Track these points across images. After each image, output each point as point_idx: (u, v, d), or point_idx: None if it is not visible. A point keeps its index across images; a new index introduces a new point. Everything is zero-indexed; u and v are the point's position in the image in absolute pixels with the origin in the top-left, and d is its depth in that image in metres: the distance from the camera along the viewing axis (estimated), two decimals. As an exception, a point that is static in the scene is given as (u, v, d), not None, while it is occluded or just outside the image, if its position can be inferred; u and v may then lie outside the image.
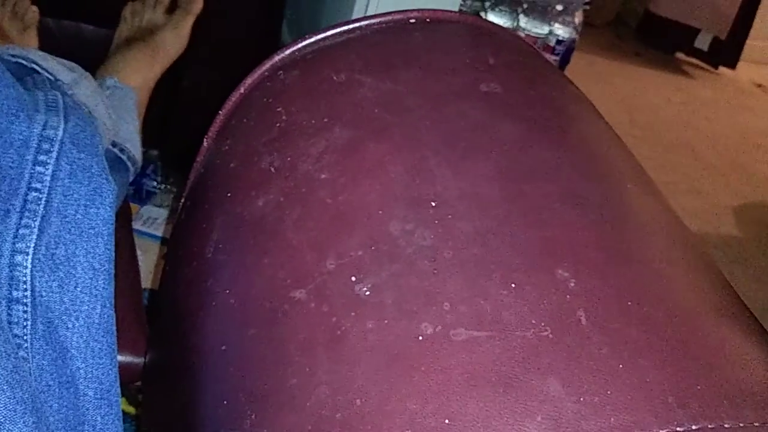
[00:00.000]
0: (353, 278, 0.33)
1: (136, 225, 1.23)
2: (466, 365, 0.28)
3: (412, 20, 0.46)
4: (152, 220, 1.32)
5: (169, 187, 1.40)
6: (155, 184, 1.38)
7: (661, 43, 3.44)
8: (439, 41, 0.45)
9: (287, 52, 0.45)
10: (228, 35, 1.26)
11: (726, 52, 3.27)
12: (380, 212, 0.35)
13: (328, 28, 0.45)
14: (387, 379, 0.29)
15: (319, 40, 0.45)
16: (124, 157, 0.83)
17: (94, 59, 1.01)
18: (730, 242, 2.10)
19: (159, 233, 1.30)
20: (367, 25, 0.46)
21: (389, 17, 0.46)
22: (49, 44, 1.14)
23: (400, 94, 0.41)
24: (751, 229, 2.19)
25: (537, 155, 0.38)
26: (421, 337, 0.29)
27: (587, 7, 1.74)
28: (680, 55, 3.43)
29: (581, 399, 0.27)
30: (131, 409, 0.79)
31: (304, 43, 0.45)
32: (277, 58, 0.45)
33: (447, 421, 0.27)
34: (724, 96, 3.16)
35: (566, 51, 1.74)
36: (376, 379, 0.29)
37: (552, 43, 1.72)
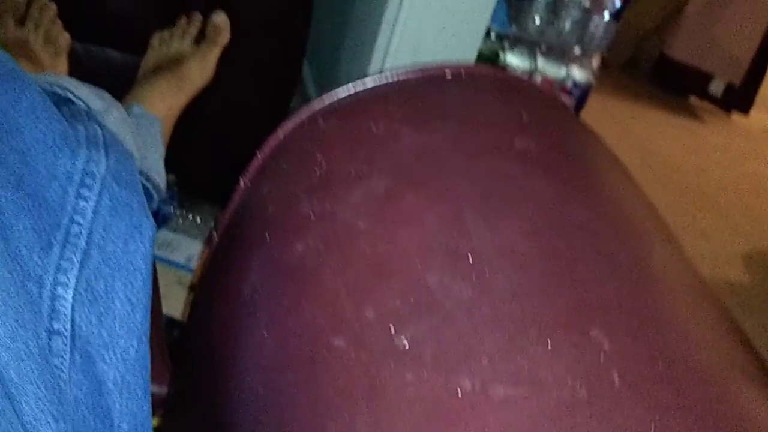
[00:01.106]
0: (392, 328, 0.34)
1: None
2: (503, 422, 0.29)
3: (449, 75, 0.48)
4: (167, 244, 1.33)
5: (184, 212, 1.42)
6: (171, 209, 1.40)
7: (675, 86, 3.47)
8: (475, 96, 0.47)
9: (326, 100, 0.47)
10: (250, 68, 1.29)
11: (739, 98, 3.30)
12: (418, 263, 0.36)
13: (367, 79, 0.47)
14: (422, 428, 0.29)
15: (358, 90, 0.47)
16: (149, 186, 0.85)
17: (119, 85, 1.03)
18: (739, 289, 2.10)
19: (174, 258, 1.31)
20: (404, 78, 0.47)
21: (425, 71, 0.47)
22: (75, 68, 1.16)
23: (436, 147, 0.42)
24: (759, 275, 2.19)
25: (570, 213, 0.39)
26: (459, 392, 0.30)
27: (605, 51, 1.77)
28: (694, 99, 3.46)
29: (616, 460, 0.27)
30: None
31: (342, 92, 0.47)
32: (316, 105, 0.47)
33: (485, 477, 0.27)
34: (736, 142, 3.18)
35: (582, 93, 1.76)
36: (415, 431, 0.30)
37: (569, 86, 1.75)
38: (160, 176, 0.88)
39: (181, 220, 1.39)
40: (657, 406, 0.30)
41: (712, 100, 3.39)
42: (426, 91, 0.47)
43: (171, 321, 1.02)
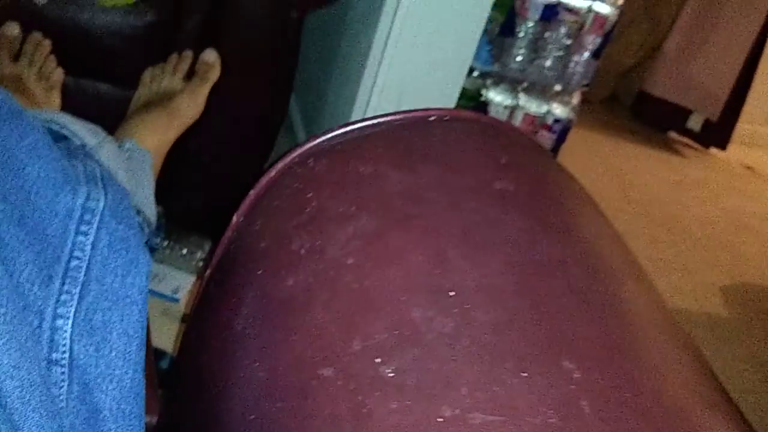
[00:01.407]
0: (378, 360, 0.36)
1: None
2: (481, 447, 0.31)
3: (432, 118, 0.50)
4: (154, 275, 1.34)
5: (171, 243, 1.43)
6: (158, 240, 1.41)
7: (655, 122, 3.54)
8: (457, 139, 0.49)
9: (316, 141, 0.49)
10: (238, 103, 1.31)
11: (717, 133, 3.36)
12: (403, 298, 0.38)
13: (356, 122, 0.49)
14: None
15: (347, 132, 0.49)
16: (140, 220, 0.86)
17: (110, 119, 1.05)
18: (718, 322, 2.13)
19: (160, 289, 1.32)
20: (391, 121, 0.50)
21: (411, 114, 0.50)
22: (66, 102, 1.18)
23: (421, 188, 0.44)
24: (737, 309, 2.23)
25: (544, 251, 0.42)
26: (440, 419, 0.32)
27: (586, 88, 1.81)
28: (673, 135, 3.53)
29: (585, 483, 0.30)
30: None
31: (332, 134, 0.49)
32: (307, 145, 0.49)
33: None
34: (715, 176, 3.24)
35: (563, 129, 1.80)
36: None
37: (550, 122, 1.79)
38: (150, 210, 0.90)
39: (168, 252, 1.40)
40: (624, 432, 0.32)
41: (691, 135, 3.46)
42: (411, 133, 0.50)
43: (157, 352, 1.04)
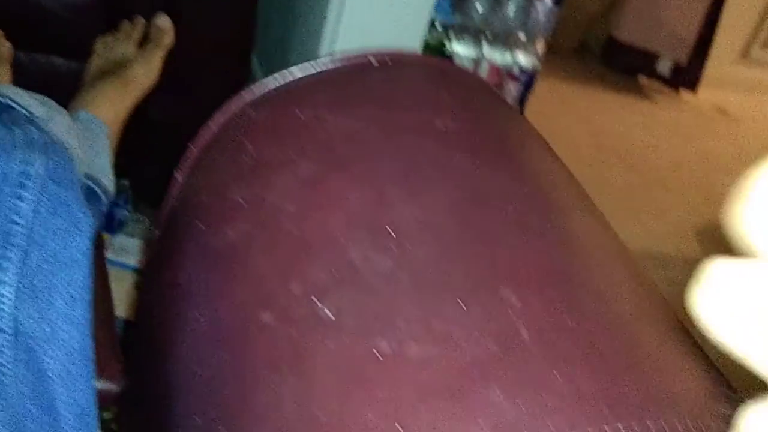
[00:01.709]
0: (316, 301, 0.35)
1: (108, 254, 1.25)
2: (419, 379, 0.31)
3: (374, 61, 0.49)
4: (124, 249, 1.33)
5: (140, 216, 1.42)
6: (126, 213, 1.40)
7: (625, 68, 3.53)
8: (398, 81, 0.49)
9: (256, 91, 0.48)
10: (197, 67, 1.29)
11: (686, 76, 3.36)
12: (342, 240, 0.38)
13: (294, 69, 0.48)
14: (347, 394, 0.31)
15: (287, 80, 0.48)
16: (97, 189, 0.85)
17: (66, 92, 1.03)
18: (693, 263, 2.15)
19: (131, 262, 1.31)
20: (331, 66, 0.49)
21: (352, 58, 0.49)
22: (21, 78, 1.16)
23: (360, 130, 0.44)
24: (713, 250, 2.25)
25: (486, 186, 0.41)
26: (378, 355, 0.32)
27: (550, 36, 1.80)
28: (643, 79, 3.52)
29: (521, 406, 0.30)
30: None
31: (271, 83, 0.48)
32: (246, 96, 0.48)
33: (401, 430, 0.29)
34: (686, 119, 3.25)
35: (529, 78, 1.80)
36: (338, 394, 0.32)
37: (515, 72, 1.78)
38: (108, 180, 0.89)
39: (136, 224, 1.39)
40: (562, 356, 0.32)
41: (661, 79, 3.46)
42: (351, 78, 0.49)
43: (128, 323, 1.03)
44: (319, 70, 0.49)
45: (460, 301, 0.34)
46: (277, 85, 0.48)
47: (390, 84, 0.48)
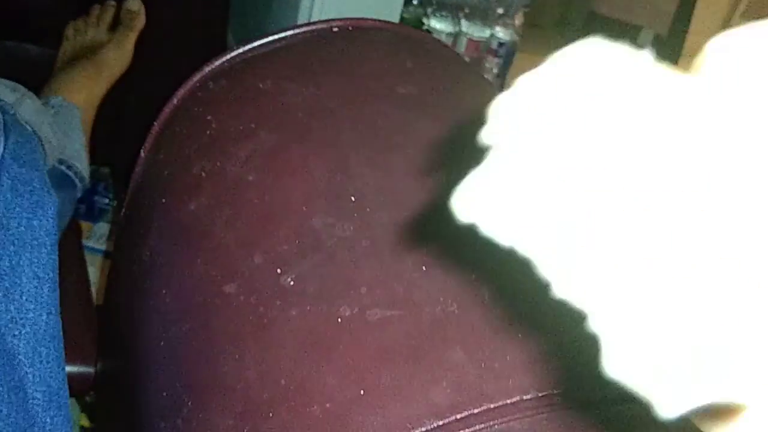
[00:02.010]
0: (279, 270, 0.35)
1: (90, 242, 1.24)
2: (380, 341, 0.31)
3: (335, 29, 0.49)
4: (106, 237, 1.32)
5: (120, 203, 1.41)
6: (107, 201, 1.39)
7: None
8: (361, 48, 0.48)
9: (216, 63, 0.48)
10: (172, 48, 1.28)
11: (667, 48, 3.36)
12: (304, 208, 0.38)
13: (255, 39, 0.48)
14: (309, 359, 0.31)
15: (247, 50, 0.48)
16: (71, 174, 0.84)
17: (38, 79, 1.02)
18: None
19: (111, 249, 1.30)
20: (292, 35, 0.48)
21: (313, 26, 0.49)
22: (-7, 66, 1.14)
23: (322, 99, 0.43)
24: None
25: (447, 149, 0.41)
26: (339, 319, 0.32)
27: (527, 9, 1.79)
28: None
29: (483, 365, 0.29)
30: (88, 424, 0.80)
31: (232, 53, 0.47)
32: (207, 69, 0.48)
33: (362, 392, 0.29)
34: (669, 91, 3.25)
35: (508, 52, 1.79)
36: (299, 360, 0.31)
37: (494, 46, 1.77)
38: (82, 164, 0.88)
39: (116, 211, 1.38)
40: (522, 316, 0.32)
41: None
42: (313, 46, 0.48)
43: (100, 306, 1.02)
44: (280, 38, 0.48)
45: (421, 265, 0.33)
46: (238, 55, 0.48)
47: (352, 51, 0.48)
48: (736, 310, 0.12)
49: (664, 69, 0.14)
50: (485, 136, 0.14)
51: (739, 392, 0.12)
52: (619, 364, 0.13)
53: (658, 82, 0.14)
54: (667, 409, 0.12)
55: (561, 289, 0.13)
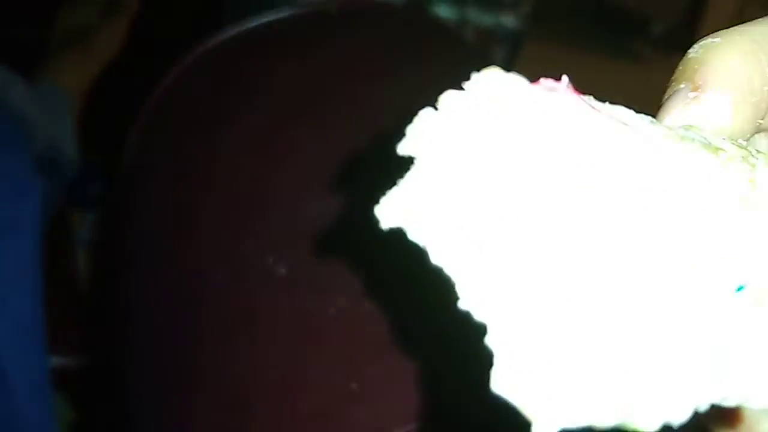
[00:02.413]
0: (270, 259, 0.33)
1: (83, 232, 1.22)
2: (375, 333, 0.29)
3: (335, 9, 0.47)
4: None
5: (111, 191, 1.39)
6: (100, 190, 1.37)
7: (617, 31, 3.50)
8: (360, 29, 0.46)
9: (209, 44, 0.46)
10: (165, 30, 1.26)
11: (679, 38, 3.33)
12: (298, 194, 0.36)
13: (250, 19, 0.46)
14: (300, 351, 0.29)
15: (241, 31, 0.45)
16: (60, 159, 0.82)
17: (29, 63, 1.00)
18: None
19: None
20: (290, 15, 0.46)
21: (313, 7, 0.47)
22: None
23: (318, 81, 0.41)
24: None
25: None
26: (334, 310, 0.30)
27: (534, -2, 1.76)
28: (636, 43, 3.50)
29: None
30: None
31: (225, 35, 0.45)
32: (199, 50, 0.46)
33: (354, 385, 0.27)
34: (677, 81, 3.22)
35: (515, 41, 1.76)
36: (290, 352, 0.30)
37: (501, 35, 1.74)
38: (71, 149, 0.86)
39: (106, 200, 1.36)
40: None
41: (654, 42, 3.43)
42: (311, 27, 0.46)
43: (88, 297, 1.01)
44: (275, 18, 0.46)
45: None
46: (231, 35, 0.46)
47: (351, 32, 0.46)
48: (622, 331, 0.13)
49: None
50: (406, 148, 0.15)
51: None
52: (505, 378, 0.13)
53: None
54: (541, 427, 0.12)
55: (467, 301, 0.14)
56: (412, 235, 0.15)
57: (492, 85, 0.15)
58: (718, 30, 0.25)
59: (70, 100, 0.89)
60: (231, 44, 0.45)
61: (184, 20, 1.25)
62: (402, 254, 0.16)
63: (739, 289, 0.14)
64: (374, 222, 0.15)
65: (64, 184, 0.73)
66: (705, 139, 0.19)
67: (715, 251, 0.14)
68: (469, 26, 1.70)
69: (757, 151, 0.20)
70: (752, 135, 0.22)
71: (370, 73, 0.42)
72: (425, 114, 0.16)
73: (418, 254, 0.14)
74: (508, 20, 1.73)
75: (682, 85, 0.21)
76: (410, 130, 0.15)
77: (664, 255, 0.14)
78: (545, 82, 0.16)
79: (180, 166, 0.40)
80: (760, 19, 0.22)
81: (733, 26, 0.24)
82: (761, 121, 0.21)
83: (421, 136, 0.15)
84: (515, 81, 0.15)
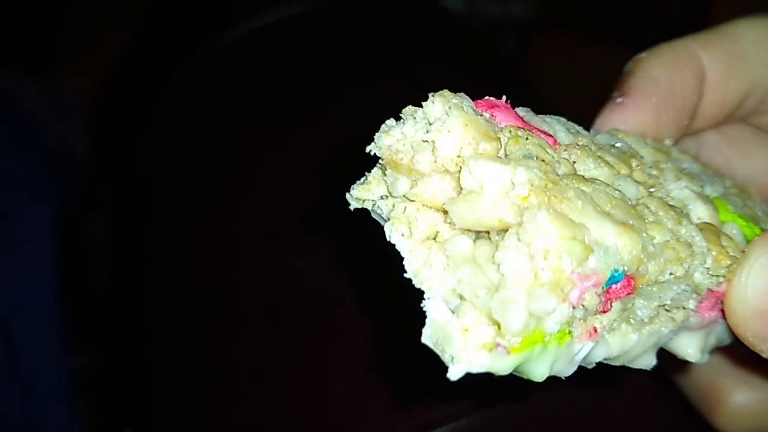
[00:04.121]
0: (288, 253, 0.33)
1: (99, 231, 1.23)
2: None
3: (344, 2, 0.47)
4: (112, 226, 1.31)
5: (124, 192, 1.39)
6: (113, 189, 1.37)
7: (628, 19, 3.48)
8: (371, 22, 0.46)
9: (219, 40, 0.46)
10: (174, 30, 1.26)
11: (690, 25, 3.31)
12: (315, 188, 0.36)
13: (258, 12, 0.45)
14: (321, 339, 0.30)
15: (250, 25, 0.45)
16: (72, 160, 0.83)
17: (39, 64, 1.00)
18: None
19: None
20: (300, 10, 0.46)
21: (318, 3, 0.46)
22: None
23: (330, 75, 0.41)
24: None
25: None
26: (349, 301, 0.30)
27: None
28: (646, 29, 3.47)
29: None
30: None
31: (233, 30, 0.45)
32: (210, 47, 0.46)
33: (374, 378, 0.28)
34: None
35: (526, 31, 1.75)
36: (312, 340, 0.30)
37: (510, 25, 1.73)
38: (83, 150, 0.87)
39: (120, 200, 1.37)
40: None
41: (664, 29, 3.41)
42: (321, 20, 0.46)
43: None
44: (286, 14, 0.46)
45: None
46: (241, 30, 0.45)
47: (361, 26, 0.46)
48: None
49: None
50: (373, 149, 0.19)
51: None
52: (431, 332, 0.17)
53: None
54: (454, 371, 0.16)
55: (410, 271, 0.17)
56: (374, 215, 0.19)
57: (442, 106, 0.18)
58: (728, 16, 0.27)
59: (81, 101, 0.89)
60: (242, 39, 0.45)
61: (193, 17, 1.25)
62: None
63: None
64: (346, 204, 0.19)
65: (77, 185, 0.73)
66: (627, 144, 0.22)
67: None
68: (477, 16, 1.69)
69: (679, 152, 0.24)
70: (680, 138, 0.25)
71: (379, 67, 0.42)
72: (388, 123, 0.19)
73: (380, 230, 0.18)
74: (517, 10, 1.72)
75: (614, 94, 0.24)
76: (376, 135, 0.19)
77: None
78: (488, 100, 0.19)
79: (195, 167, 0.40)
80: (688, 36, 0.26)
81: (742, 11, 0.26)
82: (688, 123, 0.24)
83: (382, 142, 0.18)
84: (462, 100, 0.18)
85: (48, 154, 0.49)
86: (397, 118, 0.19)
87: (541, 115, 0.21)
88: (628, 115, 0.24)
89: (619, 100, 0.24)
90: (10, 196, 0.43)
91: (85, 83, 0.94)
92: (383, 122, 0.19)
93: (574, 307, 0.17)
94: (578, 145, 0.19)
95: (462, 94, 0.19)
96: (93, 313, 0.60)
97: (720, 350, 0.23)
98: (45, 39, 1.13)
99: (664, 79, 0.24)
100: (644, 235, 0.18)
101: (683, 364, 0.23)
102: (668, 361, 0.21)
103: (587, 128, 0.23)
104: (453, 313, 0.17)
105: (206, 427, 0.33)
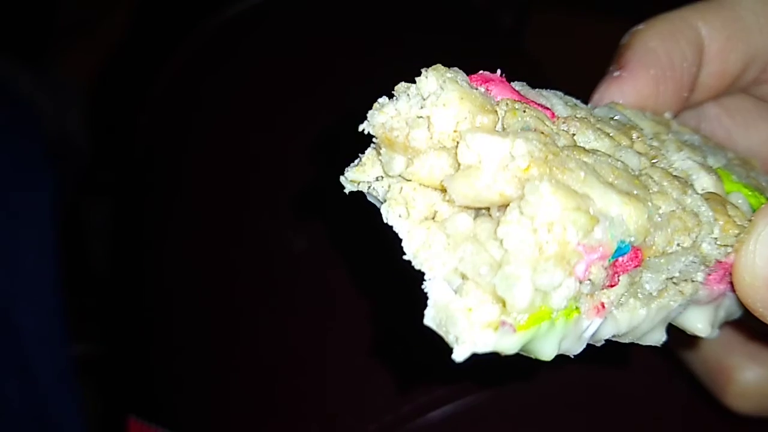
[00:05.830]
0: (288, 233, 0.33)
1: (99, 218, 1.23)
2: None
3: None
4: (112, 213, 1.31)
5: (124, 178, 1.39)
6: (112, 176, 1.37)
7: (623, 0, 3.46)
8: (407, 20, 0.45)
9: (216, 22, 0.45)
10: (169, 14, 1.25)
11: (690, 3, 3.28)
12: (314, 167, 0.35)
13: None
14: (322, 323, 0.29)
15: (250, 6, 0.45)
16: (70, 147, 0.82)
17: (36, 52, 1.00)
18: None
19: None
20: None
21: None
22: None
23: (328, 54, 0.41)
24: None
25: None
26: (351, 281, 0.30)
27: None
28: (646, 7, 3.45)
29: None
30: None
31: (227, 14, 0.45)
32: (206, 29, 0.45)
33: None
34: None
35: (523, 6, 1.73)
36: (312, 323, 0.30)
37: (508, 3, 1.71)
38: (81, 137, 0.86)
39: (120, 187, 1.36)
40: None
41: (663, 6, 3.38)
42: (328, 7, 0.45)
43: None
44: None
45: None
46: (238, 12, 0.45)
47: (358, 3, 0.45)
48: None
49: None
50: (365, 127, 0.18)
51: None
52: (434, 314, 0.16)
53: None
54: (460, 352, 0.15)
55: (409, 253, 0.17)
56: (369, 198, 0.19)
57: (436, 80, 0.17)
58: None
59: (78, 88, 0.88)
60: (232, 24, 0.44)
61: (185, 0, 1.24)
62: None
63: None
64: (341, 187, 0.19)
65: (76, 171, 0.73)
66: (626, 117, 0.21)
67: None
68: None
69: (679, 125, 0.23)
70: (680, 111, 0.24)
71: (377, 41, 0.41)
72: (381, 101, 0.18)
73: (376, 213, 0.18)
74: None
75: (612, 68, 0.24)
76: (369, 113, 0.18)
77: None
78: (483, 74, 0.19)
79: (195, 153, 0.39)
80: (686, 6, 0.25)
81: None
82: (687, 96, 0.24)
83: (376, 120, 0.18)
84: (456, 74, 0.17)
85: (46, 141, 0.49)
86: (390, 96, 0.19)
87: (537, 89, 0.20)
88: (627, 89, 0.23)
89: (617, 73, 0.24)
90: (9, 184, 0.43)
91: (81, 70, 0.93)
92: (376, 100, 0.18)
93: (580, 282, 0.16)
94: (577, 117, 0.19)
95: (456, 68, 0.18)
96: (94, 300, 0.60)
97: (730, 325, 0.22)
98: (41, 26, 1.12)
99: (662, 51, 0.23)
100: (649, 204, 0.17)
101: (692, 341, 0.23)
102: (677, 339, 0.21)
103: (585, 103, 0.22)
104: (456, 293, 0.16)
105: (207, 411, 0.33)
